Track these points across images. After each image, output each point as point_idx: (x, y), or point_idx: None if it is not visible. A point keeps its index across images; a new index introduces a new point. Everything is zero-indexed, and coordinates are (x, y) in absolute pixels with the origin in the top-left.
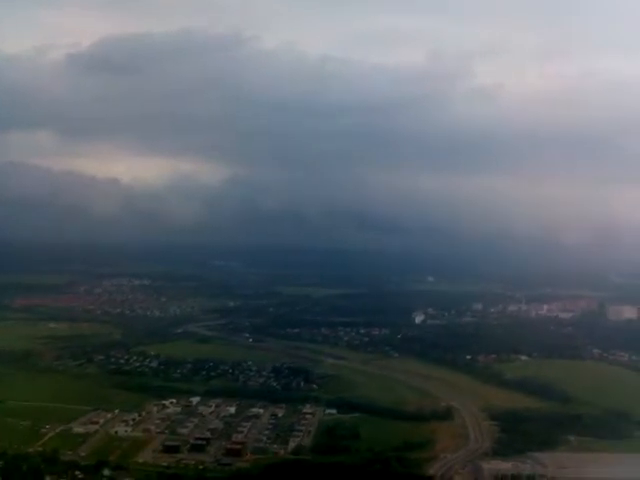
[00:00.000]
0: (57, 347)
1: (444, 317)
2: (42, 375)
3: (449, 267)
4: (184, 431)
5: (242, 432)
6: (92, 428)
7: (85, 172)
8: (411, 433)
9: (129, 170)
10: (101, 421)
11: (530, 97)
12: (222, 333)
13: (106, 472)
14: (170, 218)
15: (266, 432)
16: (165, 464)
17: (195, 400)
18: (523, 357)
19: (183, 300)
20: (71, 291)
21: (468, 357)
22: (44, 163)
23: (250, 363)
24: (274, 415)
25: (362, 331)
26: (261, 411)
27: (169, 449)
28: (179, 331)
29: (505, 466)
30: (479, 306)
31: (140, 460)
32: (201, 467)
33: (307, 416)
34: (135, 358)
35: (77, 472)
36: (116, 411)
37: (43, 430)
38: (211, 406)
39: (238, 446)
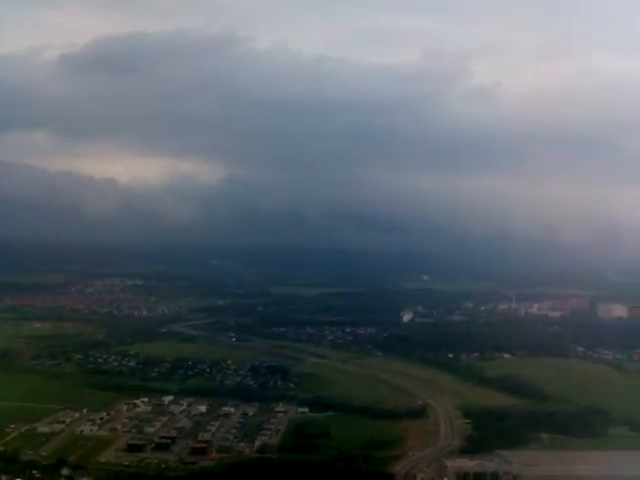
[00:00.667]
0: (37, 346)
1: (433, 316)
2: (17, 374)
3: (446, 266)
4: (151, 430)
5: (210, 431)
6: (57, 427)
7: (83, 172)
8: (382, 431)
9: (127, 170)
10: (67, 420)
11: (529, 97)
12: (207, 332)
13: (64, 471)
14: (168, 218)
15: (234, 431)
16: (127, 463)
17: (167, 399)
18: (506, 355)
19: (173, 300)
20: (62, 291)
21: (450, 355)
22: (41, 163)
23: (229, 362)
24: (245, 414)
25: (348, 330)
26: (232, 410)
27: (133, 448)
28: (164, 330)
29: (470, 464)
30: (470, 305)
31: (102, 459)
32: (163, 466)
33: (278, 415)
34: (114, 357)
35: (35, 472)
36: (84, 410)
37: (7, 430)
38: (182, 405)
39: (203, 445)
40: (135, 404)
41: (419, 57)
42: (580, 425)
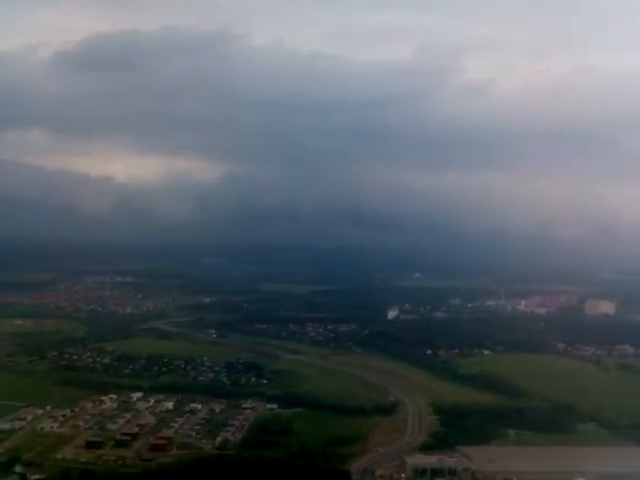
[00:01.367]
0: (15, 343)
1: (418, 312)
2: None
3: (440, 263)
4: (113, 427)
5: (172, 427)
6: (18, 424)
7: (79, 170)
8: (348, 428)
9: (124, 169)
10: (29, 417)
11: (524, 93)
12: (188, 329)
13: (17, 469)
14: (164, 216)
15: (197, 427)
16: (83, 460)
17: (136, 396)
18: (485, 352)
19: (160, 297)
20: (50, 288)
21: (429, 352)
22: (37, 162)
23: (205, 359)
24: (212, 410)
25: (329, 327)
26: (199, 406)
27: (91, 445)
28: (145, 327)
29: (430, 460)
30: (457, 301)
31: (59, 456)
32: (120, 463)
33: (246, 411)
34: (89, 354)
35: None
36: (48, 407)
37: None
38: (150, 402)
39: (163, 441)
40: (102, 401)
41: (415, 54)
42: (549, 421)
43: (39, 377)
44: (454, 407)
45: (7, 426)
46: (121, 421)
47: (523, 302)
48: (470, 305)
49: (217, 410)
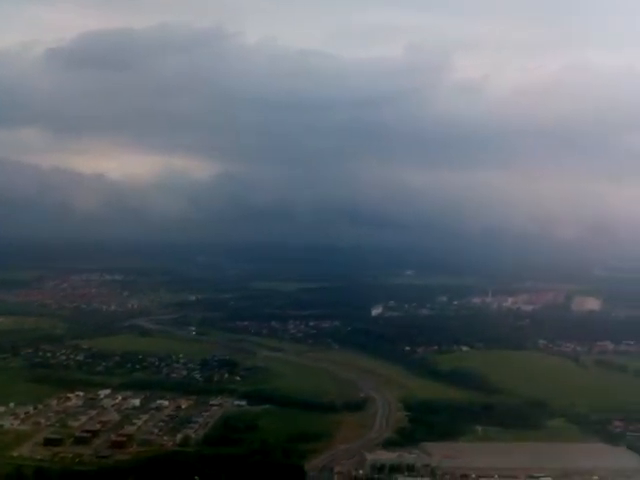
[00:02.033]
0: None
1: (403, 309)
2: None
3: (434, 261)
4: (75, 424)
5: (135, 424)
6: None
7: (74, 169)
8: (315, 424)
9: (120, 167)
10: None
11: (518, 91)
12: (169, 327)
13: None
14: (159, 215)
15: (160, 424)
16: (39, 457)
17: (103, 393)
18: (464, 348)
19: (146, 294)
20: (37, 286)
21: (407, 348)
22: (32, 160)
23: (181, 356)
24: (178, 407)
25: (311, 324)
26: (166, 403)
27: (50, 442)
28: (127, 325)
29: (390, 456)
30: (444, 298)
31: (15, 454)
32: (77, 460)
33: (213, 408)
34: (64, 352)
35: None
36: (11, 404)
37: None
38: (117, 399)
39: (123, 438)
40: (67, 398)
41: (409, 52)
42: (518, 417)
43: (10, 374)
44: (425, 403)
45: None
46: (84, 418)
47: (510, 299)
48: (456, 302)
49: (184, 407)
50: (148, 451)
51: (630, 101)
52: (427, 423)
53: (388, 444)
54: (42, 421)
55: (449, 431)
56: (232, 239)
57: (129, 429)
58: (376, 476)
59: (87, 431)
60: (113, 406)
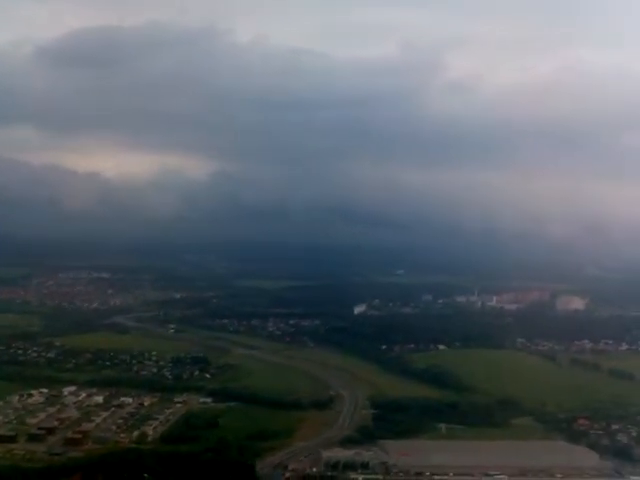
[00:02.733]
0: None
1: (387, 308)
2: None
3: (427, 260)
4: (33, 421)
5: (94, 421)
6: None
7: (66, 166)
8: (277, 422)
9: (111, 165)
10: None
11: (513, 90)
12: (148, 324)
13: None
14: (153, 213)
15: (120, 421)
16: None
17: (68, 390)
18: (441, 347)
19: (130, 292)
20: (23, 284)
21: (383, 347)
22: (23, 158)
23: (154, 353)
24: (141, 404)
25: (291, 322)
26: (130, 400)
27: (3, 439)
28: (106, 322)
29: (346, 454)
30: (429, 297)
31: None
32: (28, 457)
33: (176, 405)
34: (36, 349)
35: None
36: None
37: None
38: (80, 395)
39: (78, 435)
40: (30, 394)
41: (403, 51)
42: (484, 415)
43: None
44: (392, 401)
45: None
46: (42, 415)
47: (495, 298)
48: (441, 301)
49: (146, 404)
50: (102, 448)
51: (626, 101)
52: (391, 421)
53: (348, 442)
54: (0, 418)
55: (412, 429)
56: (226, 238)
57: (86, 426)
58: (329, 474)
59: (43, 428)
60: (75, 403)
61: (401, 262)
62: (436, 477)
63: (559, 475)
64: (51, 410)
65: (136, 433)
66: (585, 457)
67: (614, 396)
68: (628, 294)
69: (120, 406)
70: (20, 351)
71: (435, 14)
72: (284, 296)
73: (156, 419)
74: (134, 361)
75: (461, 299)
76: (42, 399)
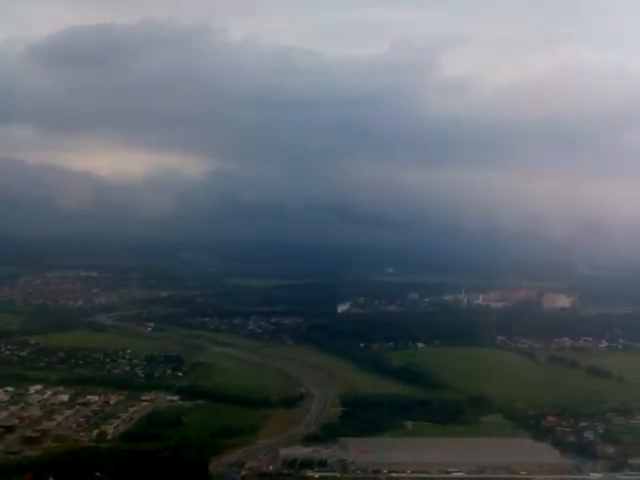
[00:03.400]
0: None
1: (371, 306)
2: None
3: (423, 260)
4: None
5: (55, 420)
6: None
7: (61, 165)
8: (243, 420)
9: (107, 164)
10: None
11: (511, 89)
12: (128, 322)
13: None
14: (148, 211)
15: (82, 419)
16: None
17: (34, 388)
18: (420, 345)
19: (116, 291)
20: (10, 283)
21: (361, 345)
22: (18, 156)
23: (129, 351)
24: (107, 402)
25: (273, 320)
26: (96, 398)
27: None
28: (87, 321)
29: (304, 451)
30: (415, 295)
31: None
32: None
33: (143, 403)
34: (9, 347)
35: None
36: None
37: None
38: (46, 394)
39: (37, 434)
40: None
41: (398, 49)
42: (454, 413)
43: None
44: (363, 399)
45: None
46: (4, 414)
47: (481, 296)
48: (427, 299)
49: (112, 402)
50: (59, 447)
51: (624, 100)
52: (359, 418)
53: (311, 440)
54: None
55: (378, 426)
56: (222, 237)
57: (47, 425)
58: (286, 471)
59: (2, 427)
60: (40, 402)
61: (398, 262)
62: (393, 474)
63: (517, 472)
64: (13, 409)
65: (96, 431)
66: (547, 454)
67: (588, 393)
68: (618, 292)
69: (85, 404)
70: None
71: (433, 12)
72: (272, 295)
73: (119, 417)
74: (107, 359)
75: (448, 297)
76: (7, 397)
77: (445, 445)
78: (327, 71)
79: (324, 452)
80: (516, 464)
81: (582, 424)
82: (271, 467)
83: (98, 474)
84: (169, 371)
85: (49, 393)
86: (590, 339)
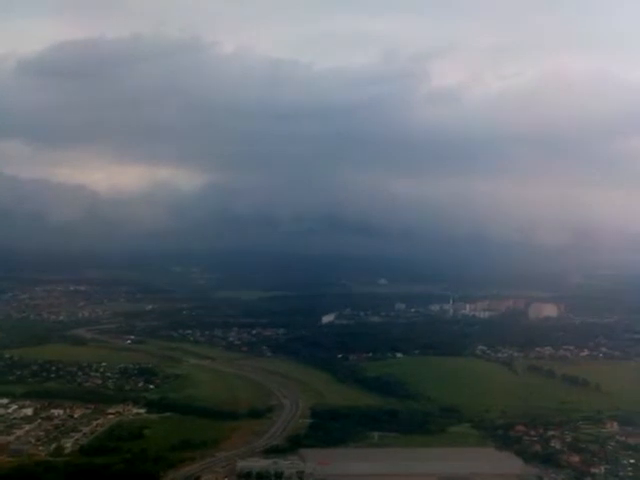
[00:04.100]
0: None
1: (356, 317)
2: None
3: (411, 269)
4: None
5: (14, 434)
6: None
7: (55, 180)
8: (207, 432)
9: (99, 178)
10: None
11: (500, 97)
12: (108, 336)
13: None
14: (141, 225)
15: (41, 434)
16: None
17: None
18: (399, 355)
19: (102, 304)
20: None
21: (339, 356)
22: (9, 171)
23: (104, 364)
24: (71, 416)
25: (254, 332)
26: (60, 412)
27: None
28: (67, 334)
29: (262, 463)
30: (402, 306)
31: None
32: None
33: (108, 416)
34: None
35: None
36: None
37: None
38: (10, 408)
39: None
40: None
41: (387, 59)
42: (422, 423)
43: None
44: (333, 410)
45: None
46: None
47: (467, 306)
48: (413, 310)
49: (76, 416)
50: (14, 461)
51: (614, 107)
52: (325, 430)
53: (273, 451)
54: None
55: (344, 438)
56: (214, 249)
57: (4, 439)
58: None
59: None
60: (2, 416)
61: (389, 272)
62: None
63: None
64: None
65: (53, 446)
66: (509, 463)
67: (561, 402)
68: (608, 301)
69: (48, 418)
70: None
71: (421, 23)
72: (258, 306)
73: (80, 431)
74: (80, 373)
75: (434, 307)
76: None
77: (406, 455)
78: (317, 82)
79: (282, 464)
80: (476, 474)
81: (550, 433)
82: (226, 479)
83: None
84: (141, 384)
85: (14, 407)
86: (571, 348)
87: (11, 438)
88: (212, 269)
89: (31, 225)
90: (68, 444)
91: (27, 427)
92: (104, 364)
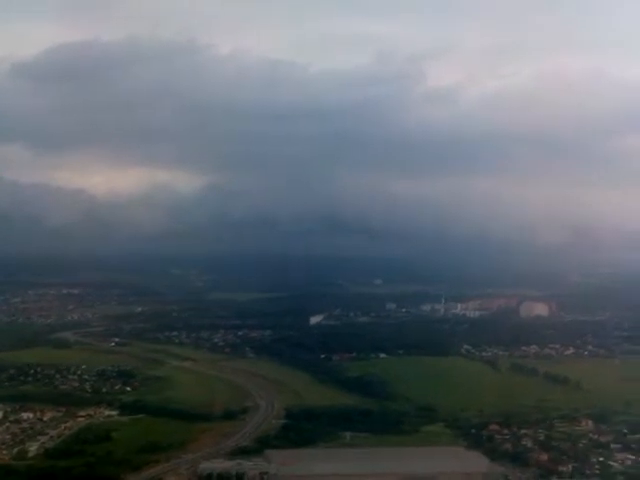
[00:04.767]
0: None
1: (345, 318)
2: None
3: (408, 270)
4: None
5: None
6: None
7: (54, 184)
8: (177, 434)
9: (100, 181)
10: None
11: (497, 98)
12: (93, 338)
13: None
14: (140, 227)
15: (8, 437)
16: None
17: None
18: (382, 355)
19: (93, 307)
20: None
21: (322, 356)
22: (9, 175)
23: (84, 367)
24: (40, 419)
25: (240, 333)
26: (30, 415)
27: None
28: (52, 337)
29: (224, 465)
30: (393, 306)
31: None
32: None
33: (79, 419)
34: None
35: None
36: None
37: None
38: None
39: None
40: None
41: (384, 60)
42: (396, 423)
43: None
44: (308, 410)
45: None
46: None
47: (459, 306)
48: (404, 310)
49: (46, 419)
50: None
51: (611, 106)
52: (297, 430)
53: (241, 452)
54: None
55: (315, 438)
56: (213, 251)
57: None
58: None
59: None
60: None
61: (386, 272)
62: None
63: None
64: None
65: (17, 449)
66: (475, 462)
67: (539, 400)
68: (602, 299)
69: (16, 421)
70: None
71: (417, 24)
72: (250, 308)
73: (47, 434)
74: (58, 375)
75: (426, 307)
76: None
77: (374, 455)
78: (314, 83)
79: (245, 465)
80: (441, 473)
81: (523, 432)
82: None
83: None
84: (118, 386)
85: None
86: (557, 346)
87: None
88: (210, 271)
89: (30, 229)
90: (33, 447)
91: None
92: (83, 367)
